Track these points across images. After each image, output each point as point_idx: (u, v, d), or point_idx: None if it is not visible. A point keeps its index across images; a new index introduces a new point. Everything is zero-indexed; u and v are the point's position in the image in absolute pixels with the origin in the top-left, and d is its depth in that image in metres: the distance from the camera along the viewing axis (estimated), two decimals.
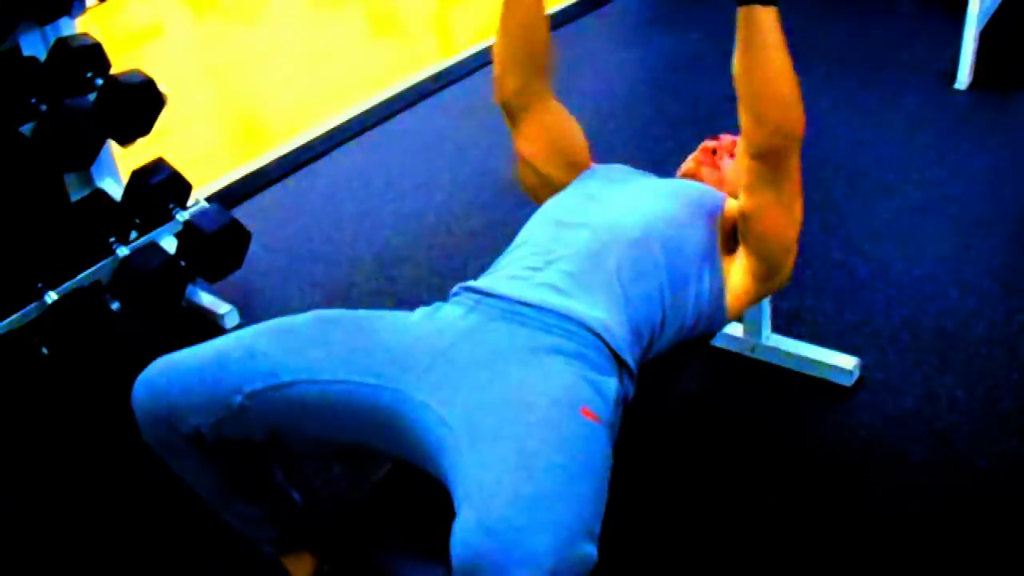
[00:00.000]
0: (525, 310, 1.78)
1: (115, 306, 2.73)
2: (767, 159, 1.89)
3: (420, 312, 1.87)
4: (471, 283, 1.90)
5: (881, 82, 4.31)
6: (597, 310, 1.79)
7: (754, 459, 2.40)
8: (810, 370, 2.59)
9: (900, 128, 3.91)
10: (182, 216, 2.88)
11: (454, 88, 4.48)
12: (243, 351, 1.71)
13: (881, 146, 3.75)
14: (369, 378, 1.66)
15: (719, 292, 2.00)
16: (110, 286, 2.77)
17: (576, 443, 1.51)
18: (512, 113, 2.22)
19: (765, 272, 2.03)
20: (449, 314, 1.82)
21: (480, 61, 4.54)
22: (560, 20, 4.91)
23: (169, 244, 2.95)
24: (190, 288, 3.00)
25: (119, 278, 2.75)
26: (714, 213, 2.05)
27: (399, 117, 4.24)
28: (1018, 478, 2.29)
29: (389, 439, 1.68)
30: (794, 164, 1.90)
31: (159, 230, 2.91)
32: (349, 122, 4.12)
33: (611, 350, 1.77)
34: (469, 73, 4.56)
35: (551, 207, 2.10)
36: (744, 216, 1.98)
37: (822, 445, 2.44)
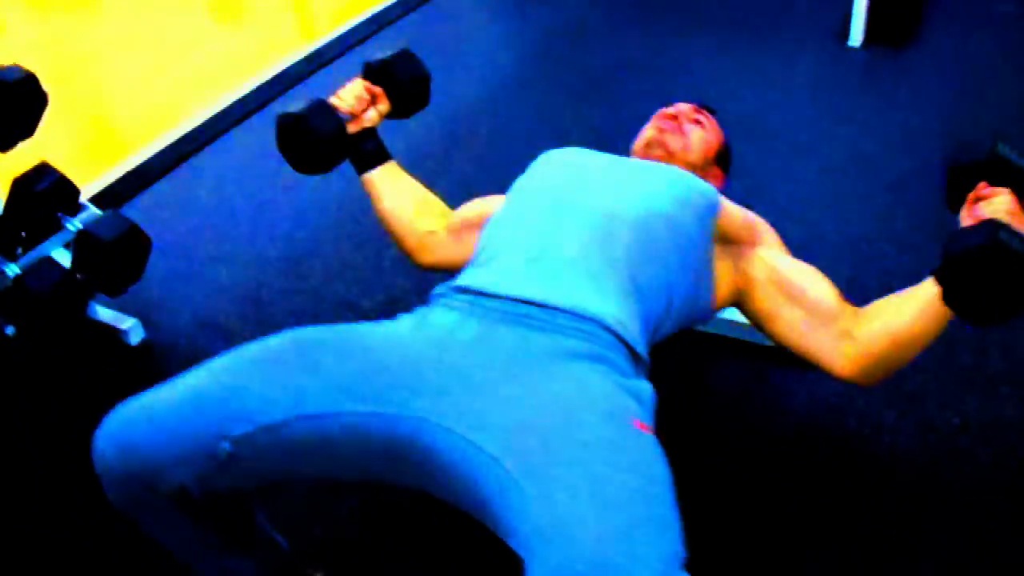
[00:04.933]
0: (531, 310, 1.57)
1: (9, 331, 2.39)
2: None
3: (406, 321, 1.64)
4: (458, 281, 1.69)
5: (776, 44, 4.26)
6: (610, 304, 1.61)
7: (725, 431, 2.27)
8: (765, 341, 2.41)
9: (802, 89, 3.84)
10: (73, 225, 2.55)
11: (329, 69, 4.20)
12: (221, 389, 1.45)
13: (788, 108, 3.67)
14: (377, 406, 1.43)
15: (710, 283, 1.84)
16: (1, 309, 2.42)
17: (643, 461, 1.34)
18: (444, 266, 2.09)
19: (749, 272, 1.92)
20: (443, 321, 1.60)
21: (350, 39, 4.29)
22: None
23: (60, 257, 2.60)
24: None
25: (11, 300, 2.41)
26: (712, 206, 1.87)
27: (279, 101, 3.92)
28: (991, 433, 2.21)
29: (413, 475, 1.45)
30: None
31: (48, 242, 2.56)
32: (226, 110, 3.78)
33: (629, 347, 1.59)
34: (341, 54, 4.29)
35: (532, 187, 1.89)
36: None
37: (794, 415, 2.30)
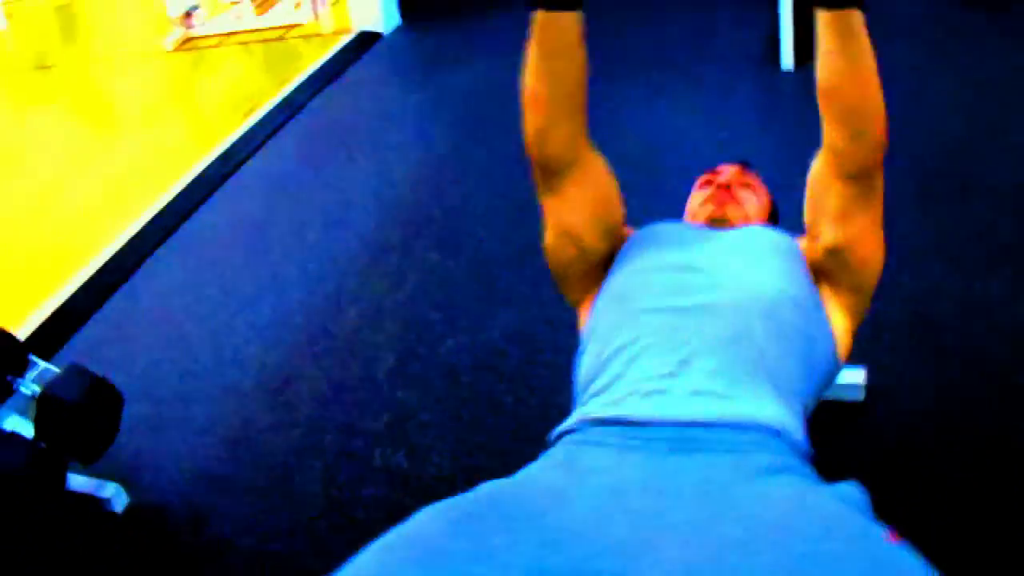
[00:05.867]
0: (696, 432, 1.35)
1: None
2: (865, 179, 1.59)
3: (551, 470, 1.38)
4: (594, 413, 1.43)
5: (710, 79, 4.17)
6: (768, 406, 1.42)
7: None
8: None
9: (750, 122, 3.69)
10: (27, 387, 2.19)
11: (246, 169, 3.86)
12: None
13: (743, 144, 3.47)
14: None
15: (828, 331, 1.66)
16: None
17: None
18: (553, 173, 1.71)
19: (861, 304, 1.72)
20: (601, 463, 1.34)
21: (262, 131, 3.97)
22: (332, 72, 4.39)
23: (17, 427, 2.22)
24: None
25: None
26: (799, 252, 1.71)
27: (200, 212, 3.58)
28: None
29: None
30: (881, 178, 1.62)
31: None
32: (144, 231, 3.42)
33: (798, 447, 1.40)
34: (259, 146, 3.96)
35: (638, 282, 1.64)
36: (837, 250, 1.65)
37: (858, 453, 2.07)
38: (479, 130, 3.99)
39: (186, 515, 2.21)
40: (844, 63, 1.52)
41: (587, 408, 1.46)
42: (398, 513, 2.07)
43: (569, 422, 1.46)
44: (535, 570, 1.16)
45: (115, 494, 2.26)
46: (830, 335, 1.65)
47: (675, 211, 3.10)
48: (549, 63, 1.64)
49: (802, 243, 1.74)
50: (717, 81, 4.12)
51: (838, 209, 1.62)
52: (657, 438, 1.36)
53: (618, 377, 1.48)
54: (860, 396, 2.26)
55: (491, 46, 4.69)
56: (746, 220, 1.90)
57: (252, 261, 3.21)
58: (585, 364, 1.60)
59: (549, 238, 1.80)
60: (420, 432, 2.36)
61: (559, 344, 2.58)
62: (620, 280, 1.68)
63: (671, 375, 1.44)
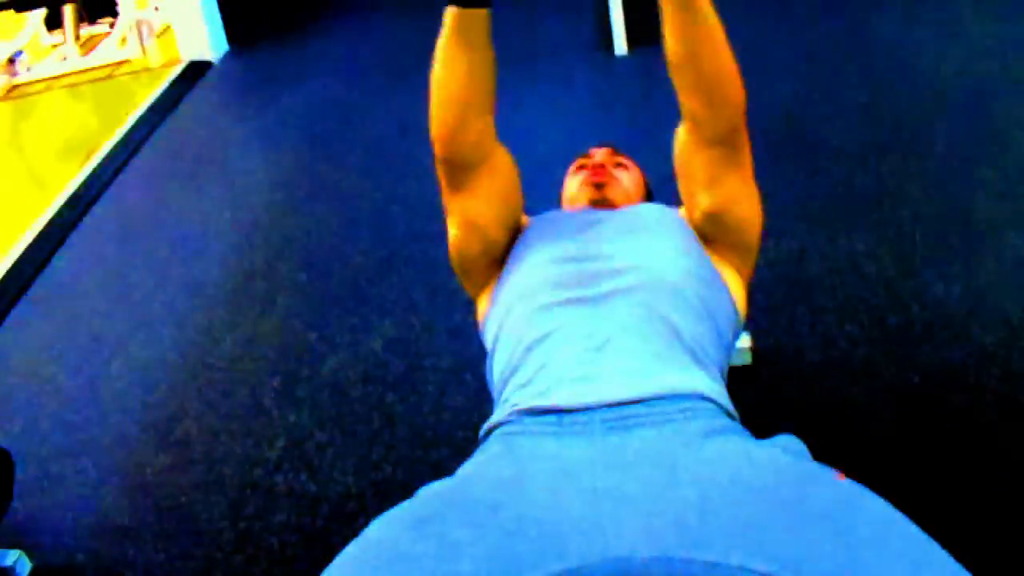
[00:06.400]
0: (630, 410, 1.37)
1: None
2: (729, 141, 1.66)
3: (493, 464, 1.40)
4: (523, 404, 1.44)
5: (547, 71, 4.23)
6: (693, 374, 1.47)
7: None
8: None
9: (593, 109, 3.76)
10: None
11: (95, 213, 3.76)
12: None
13: (590, 130, 3.55)
14: (557, 564, 1.15)
15: (728, 292, 1.71)
16: None
17: (879, 507, 1.20)
18: (463, 169, 1.73)
19: (749, 261, 1.79)
20: (543, 450, 1.36)
21: (106, 172, 3.87)
22: (166, 106, 4.31)
23: None
24: None
25: None
26: (690, 229, 1.76)
27: (54, 262, 3.47)
28: (949, 381, 2.26)
29: None
30: (745, 135, 1.69)
31: None
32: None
33: (727, 410, 1.46)
34: (102, 192, 3.87)
35: (539, 284, 1.66)
36: (716, 214, 1.71)
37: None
38: (323, 147, 3.98)
39: (95, 571, 2.15)
40: (694, 32, 1.56)
41: (517, 400, 1.47)
42: (313, 536, 2.09)
43: (500, 415, 1.48)
44: (503, 559, 1.17)
45: (17, 561, 2.19)
46: (730, 299, 1.70)
47: (534, 201, 3.15)
48: (462, 60, 1.66)
49: (682, 213, 1.80)
50: (554, 71, 4.18)
51: (708, 175, 1.68)
52: (592, 422, 1.37)
53: (542, 368, 1.49)
54: (748, 360, 2.34)
55: (321, 65, 4.69)
56: (626, 198, 1.95)
57: (117, 304, 3.14)
58: (500, 360, 1.62)
59: (455, 234, 1.81)
60: (319, 453, 2.35)
61: (439, 348, 2.61)
62: (523, 275, 1.70)
63: (594, 360, 1.46)
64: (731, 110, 1.62)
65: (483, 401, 2.37)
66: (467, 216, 1.78)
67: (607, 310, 1.54)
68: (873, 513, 1.18)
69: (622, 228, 1.76)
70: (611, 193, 1.94)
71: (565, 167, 3.18)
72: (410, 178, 3.54)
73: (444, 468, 2.14)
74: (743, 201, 1.72)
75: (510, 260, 1.77)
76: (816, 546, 1.12)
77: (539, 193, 3.14)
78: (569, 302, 1.58)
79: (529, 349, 1.54)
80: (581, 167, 2.04)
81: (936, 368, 2.31)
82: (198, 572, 2.08)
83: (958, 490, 1.98)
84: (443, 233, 2.72)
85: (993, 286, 2.52)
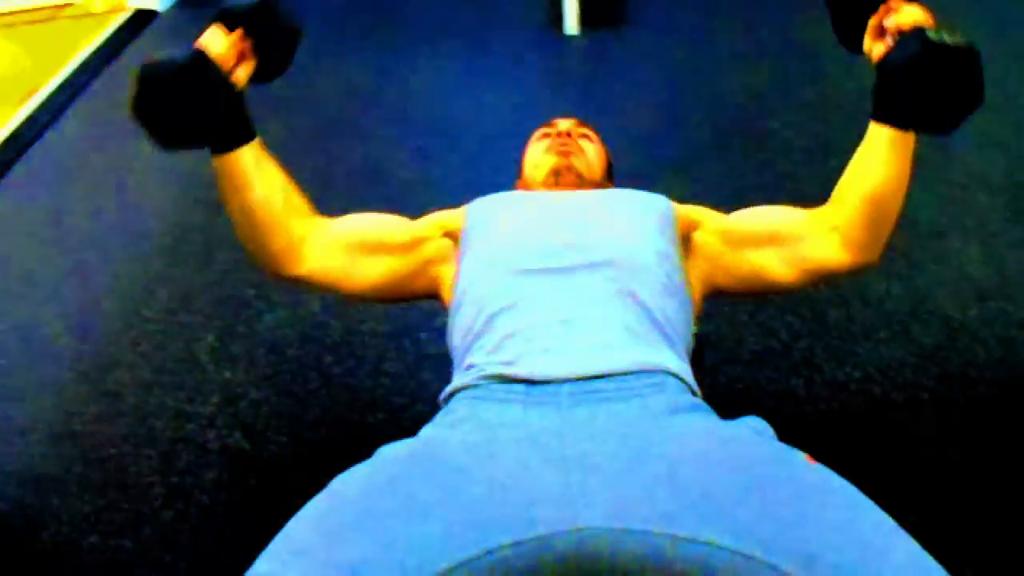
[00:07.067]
0: (598, 384, 1.37)
1: None
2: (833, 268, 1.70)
3: (458, 428, 1.37)
4: (489, 371, 1.43)
5: (498, 46, 4.20)
6: (661, 351, 1.46)
7: None
8: None
9: (542, 87, 3.74)
10: None
11: (31, 156, 3.62)
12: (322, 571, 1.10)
13: (538, 108, 3.51)
14: (523, 532, 1.14)
15: (688, 293, 1.70)
16: None
17: (849, 490, 1.21)
18: (315, 281, 1.74)
19: (712, 285, 1.82)
20: (510, 418, 1.34)
21: (42, 119, 3.74)
22: (110, 53, 4.19)
23: None
24: None
25: None
26: (670, 216, 1.76)
27: None
28: (888, 379, 2.27)
29: None
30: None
31: None
32: None
33: (691, 388, 1.46)
34: (38, 135, 3.73)
35: (508, 254, 1.63)
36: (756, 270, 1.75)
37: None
38: (267, 105, 3.85)
39: (20, 520, 2.06)
40: (895, 178, 1.58)
41: (482, 365, 1.44)
42: (245, 495, 2.04)
43: (465, 379, 1.45)
44: (473, 523, 1.14)
45: None
46: (686, 290, 1.68)
47: (480, 174, 3.14)
48: (257, 196, 1.62)
49: (675, 204, 1.78)
50: (505, 48, 4.13)
51: (782, 249, 1.71)
52: (559, 393, 1.35)
53: (509, 336, 1.47)
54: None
55: None
56: (590, 169, 1.92)
57: (50, 250, 3.02)
58: (461, 323, 1.58)
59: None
60: (254, 411, 2.29)
61: (378, 313, 2.55)
62: (490, 245, 1.66)
63: (562, 332, 1.44)
64: (872, 258, 1.66)
65: (421, 368, 2.34)
66: (381, 292, 1.79)
67: (576, 283, 1.52)
68: (842, 495, 1.18)
69: (594, 205, 1.74)
70: (576, 162, 1.91)
71: (511, 143, 3.18)
72: (355, 140, 3.48)
73: (380, 432, 2.11)
74: (770, 275, 1.74)
75: (477, 231, 1.73)
76: (786, 524, 1.12)
77: (484, 166, 3.13)
78: (538, 272, 1.55)
79: (494, 316, 1.51)
80: (545, 135, 2.00)
81: (875, 365, 2.32)
82: (125, 525, 2.02)
83: (891, 486, 1.97)
84: (385, 197, 2.70)
85: (934, 288, 2.53)
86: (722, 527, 1.12)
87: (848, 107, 3.57)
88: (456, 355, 1.60)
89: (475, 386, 1.43)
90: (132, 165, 3.43)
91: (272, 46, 1.68)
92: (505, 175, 3.13)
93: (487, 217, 1.75)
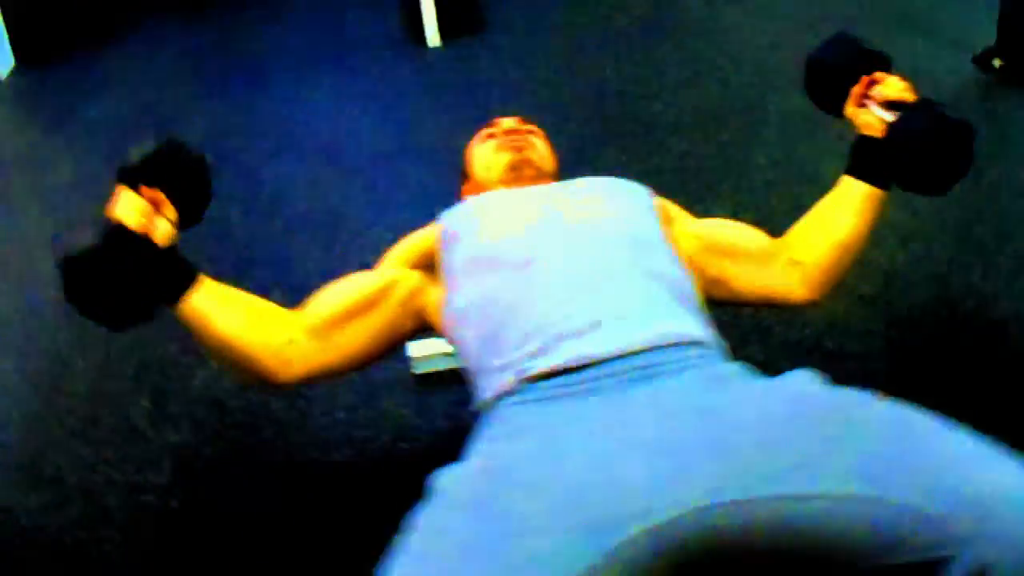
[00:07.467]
0: (651, 357, 1.34)
1: None
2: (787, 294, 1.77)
3: (515, 437, 1.31)
4: (530, 371, 1.37)
5: (357, 64, 4.12)
6: (689, 321, 1.45)
7: None
8: None
9: (417, 100, 3.69)
10: None
11: None
12: None
13: (418, 122, 3.47)
14: (645, 521, 1.10)
15: None
16: None
17: (936, 419, 1.20)
18: (315, 375, 1.68)
19: None
20: (565, 414, 1.29)
21: None
22: None
23: None
24: None
25: None
26: (652, 203, 1.74)
27: None
28: (838, 332, 2.28)
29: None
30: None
31: None
32: None
33: (727, 356, 1.47)
34: None
35: (504, 250, 1.56)
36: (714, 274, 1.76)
37: None
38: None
39: None
40: (865, 231, 1.69)
41: (513, 364, 1.38)
42: (235, 560, 1.88)
43: (498, 384, 1.38)
44: (583, 527, 1.09)
45: None
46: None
47: (379, 193, 3.04)
48: (222, 331, 1.58)
49: (654, 195, 1.77)
50: (371, 67, 4.08)
51: (745, 268, 1.75)
52: (607, 376, 1.31)
53: (532, 328, 1.40)
54: None
55: (124, 72, 4.38)
56: (544, 162, 1.88)
57: None
58: (474, 331, 1.52)
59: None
60: (212, 471, 2.14)
61: None
62: (482, 248, 1.59)
63: (591, 311, 1.39)
64: (824, 294, 1.74)
65: (376, 397, 2.25)
66: (376, 352, 1.75)
67: (589, 261, 1.48)
68: (927, 422, 1.17)
69: (581, 191, 1.70)
70: (533, 156, 1.86)
71: (403, 159, 3.10)
72: (243, 178, 3.33)
73: (354, 470, 2.04)
74: (738, 287, 1.76)
75: (460, 241, 1.66)
76: (890, 461, 1.10)
77: (382, 184, 3.05)
78: (544, 258, 1.50)
79: (513, 309, 1.44)
80: (490, 136, 1.95)
81: (824, 321, 2.32)
82: None
83: None
84: (288, 230, 2.58)
85: None
86: (828, 478, 1.10)
87: (727, 83, 3.61)
88: (476, 364, 1.52)
89: (517, 391, 1.36)
90: (10, 236, 3.23)
91: (184, 186, 1.63)
92: (405, 192, 3.06)
93: (467, 225, 1.67)
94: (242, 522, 1.99)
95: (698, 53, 3.87)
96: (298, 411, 2.27)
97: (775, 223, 1.88)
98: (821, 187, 2.80)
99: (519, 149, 1.86)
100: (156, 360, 2.51)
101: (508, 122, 1.97)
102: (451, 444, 2.06)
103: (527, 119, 2.03)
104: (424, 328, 1.76)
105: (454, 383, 2.22)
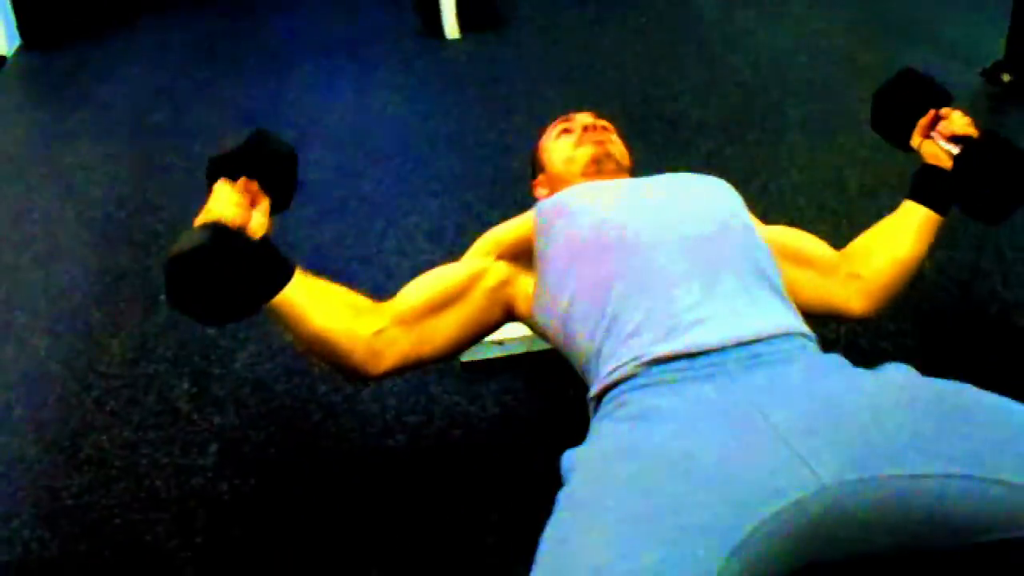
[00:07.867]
0: (757, 348, 1.39)
1: None
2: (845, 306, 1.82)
3: (644, 419, 1.34)
4: (648, 355, 1.39)
5: (377, 59, 4.05)
6: (788, 314, 1.51)
7: None
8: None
9: (439, 92, 3.69)
10: None
11: None
12: None
13: (441, 113, 3.44)
14: (775, 502, 1.15)
15: None
16: None
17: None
18: (404, 365, 1.72)
19: None
20: (687, 395, 1.33)
21: None
22: None
23: None
24: None
25: None
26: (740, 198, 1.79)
27: None
28: (876, 328, 2.28)
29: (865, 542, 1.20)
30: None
31: None
32: None
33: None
34: None
35: (611, 237, 1.57)
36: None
37: None
38: (163, 136, 3.62)
39: None
40: (922, 251, 1.78)
41: (631, 350, 1.40)
42: (282, 545, 1.82)
43: (617, 369, 1.39)
44: (730, 503, 1.13)
45: None
46: None
47: (409, 183, 3.00)
48: (318, 326, 1.60)
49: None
50: (390, 59, 4.05)
51: (808, 275, 1.78)
52: (724, 361, 1.35)
53: (649, 313, 1.42)
54: None
55: (135, 54, 4.31)
56: (623, 157, 1.91)
57: None
58: (583, 319, 1.52)
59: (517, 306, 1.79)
60: (260, 454, 2.09)
61: None
62: (587, 235, 1.59)
63: (703, 301, 1.43)
64: (877, 310, 1.81)
65: (426, 383, 2.21)
66: (464, 342, 1.79)
67: (698, 253, 1.51)
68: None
69: (675, 184, 1.74)
70: (614, 150, 1.89)
71: (431, 151, 3.07)
72: None
73: (407, 455, 1.99)
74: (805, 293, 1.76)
75: (560, 229, 1.66)
76: (996, 444, 1.19)
77: (413, 174, 3.02)
78: (654, 247, 1.52)
79: (626, 297, 1.46)
80: (566, 131, 1.96)
81: (857, 321, 2.30)
82: None
83: None
84: (325, 219, 2.54)
85: None
86: (944, 458, 1.17)
87: (746, 86, 3.60)
88: (586, 353, 1.52)
89: (639, 374, 1.38)
90: (32, 216, 3.14)
91: (277, 177, 1.65)
92: (437, 181, 3.02)
93: (566, 214, 1.67)
94: (295, 506, 1.93)
95: (716, 56, 3.87)
96: (346, 396, 2.21)
97: (804, 228, 1.89)
98: (843, 190, 2.82)
99: (601, 144, 1.89)
100: (195, 342, 2.45)
101: (584, 117, 1.98)
102: (504, 431, 2.06)
103: (600, 114, 2.02)
104: (511, 317, 1.77)
105: (501, 371, 2.19)
